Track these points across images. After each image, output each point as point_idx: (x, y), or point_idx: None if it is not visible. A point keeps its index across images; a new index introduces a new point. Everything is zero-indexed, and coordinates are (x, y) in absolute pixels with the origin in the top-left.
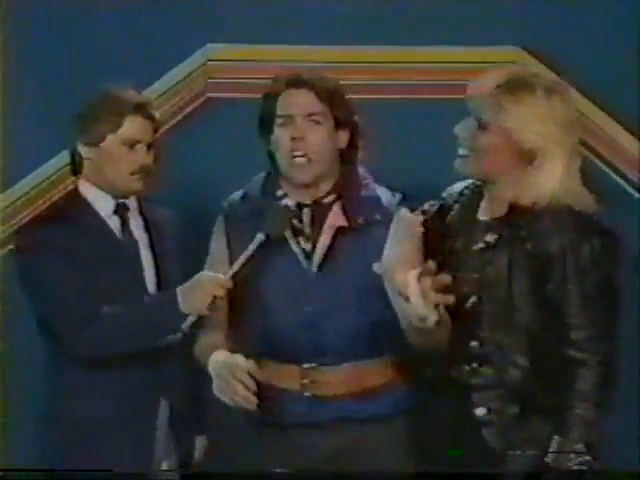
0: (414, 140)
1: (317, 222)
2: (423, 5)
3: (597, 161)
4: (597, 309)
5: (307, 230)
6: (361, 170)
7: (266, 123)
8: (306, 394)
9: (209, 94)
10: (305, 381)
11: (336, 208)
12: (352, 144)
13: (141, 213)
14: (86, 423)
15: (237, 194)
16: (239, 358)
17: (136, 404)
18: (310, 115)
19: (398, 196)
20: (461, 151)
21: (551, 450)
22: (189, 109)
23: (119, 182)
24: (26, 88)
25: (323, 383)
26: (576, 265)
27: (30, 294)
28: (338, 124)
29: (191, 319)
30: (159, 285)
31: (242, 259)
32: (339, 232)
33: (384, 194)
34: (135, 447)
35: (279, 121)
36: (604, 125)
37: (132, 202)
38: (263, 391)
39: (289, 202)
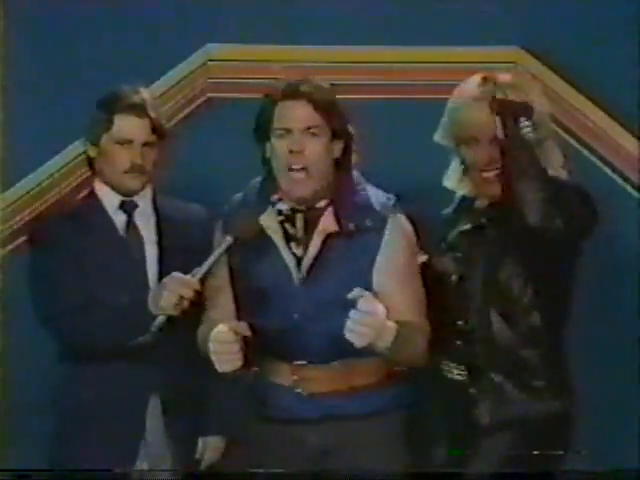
0: (413, 141)
1: (310, 227)
2: (423, 5)
3: (597, 161)
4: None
5: (299, 235)
6: (355, 174)
7: (263, 130)
8: (297, 390)
9: (209, 94)
10: (295, 377)
11: (328, 213)
12: (346, 153)
13: (156, 209)
14: (83, 420)
15: (237, 197)
16: (221, 326)
17: (126, 401)
18: (308, 128)
19: (393, 199)
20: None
21: None
22: (189, 109)
23: (115, 180)
24: (26, 88)
25: (312, 380)
26: (553, 239)
27: (30, 285)
28: (334, 135)
29: (160, 319)
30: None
31: (210, 260)
32: (330, 237)
33: (378, 198)
34: (124, 445)
35: (277, 133)
36: (604, 125)
37: (144, 198)
38: (258, 384)
39: (283, 207)
